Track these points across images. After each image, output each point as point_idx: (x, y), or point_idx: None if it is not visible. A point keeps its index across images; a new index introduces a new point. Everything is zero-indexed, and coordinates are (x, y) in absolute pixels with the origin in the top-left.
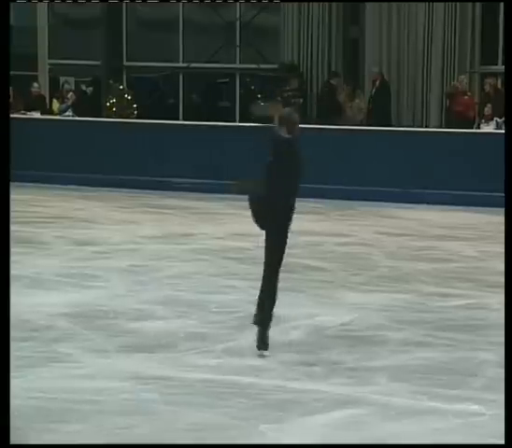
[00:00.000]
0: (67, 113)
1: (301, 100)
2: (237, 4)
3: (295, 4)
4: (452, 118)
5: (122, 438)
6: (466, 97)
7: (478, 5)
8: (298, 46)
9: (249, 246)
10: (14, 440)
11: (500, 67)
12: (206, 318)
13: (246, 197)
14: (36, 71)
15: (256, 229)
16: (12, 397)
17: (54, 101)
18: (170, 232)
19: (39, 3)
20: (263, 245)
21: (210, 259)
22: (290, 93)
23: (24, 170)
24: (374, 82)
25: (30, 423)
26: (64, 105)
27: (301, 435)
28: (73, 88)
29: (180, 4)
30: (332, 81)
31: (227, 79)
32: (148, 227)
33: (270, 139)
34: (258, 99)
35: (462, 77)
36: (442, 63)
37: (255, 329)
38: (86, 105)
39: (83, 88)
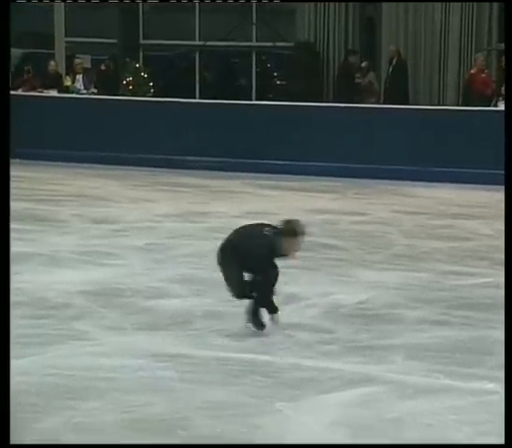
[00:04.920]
0: (82, 90)
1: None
2: None
3: None
4: (470, 95)
5: (139, 415)
6: (484, 75)
7: None
8: (315, 24)
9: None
10: (32, 416)
11: None
12: (223, 297)
13: (262, 175)
14: (53, 49)
15: (272, 206)
16: (30, 374)
17: (66, 78)
18: (186, 211)
19: None
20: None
21: None
22: None
23: (40, 148)
24: (390, 60)
25: (48, 400)
26: (75, 87)
27: (316, 413)
28: (89, 66)
29: None
30: (350, 58)
31: (235, 59)
32: (164, 205)
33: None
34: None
35: (479, 54)
36: (459, 40)
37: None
38: (103, 82)
39: (102, 67)
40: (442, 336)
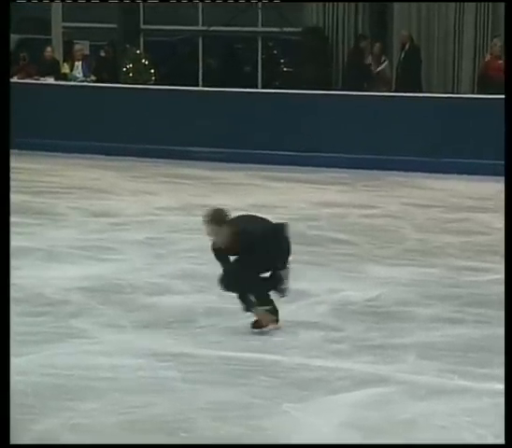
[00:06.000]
0: (80, 77)
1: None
2: None
3: None
4: (486, 83)
5: (139, 416)
6: (500, 61)
7: None
8: (323, 8)
9: (270, 218)
10: (29, 418)
11: None
12: (227, 293)
13: (267, 167)
14: (50, 35)
15: (277, 199)
16: (26, 373)
17: (64, 65)
18: (188, 203)
19: None
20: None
21: None
22: None
23: (38, 138)
24: (403, 46)
25: (45, 401)
26: (74, 75)
27: (325, 414)
28: (87, 52)
29: None
30: (361, 44)
31: (240, 45)
32: (165, 198)
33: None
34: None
35: (496, 39)
36: (474, 25)
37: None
38: (102, 69)
39: (101, 53)
40: (455, 334)
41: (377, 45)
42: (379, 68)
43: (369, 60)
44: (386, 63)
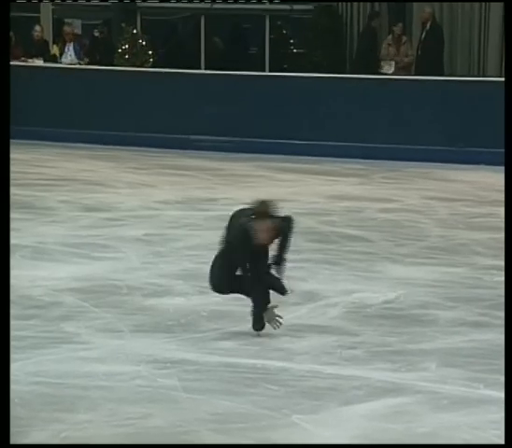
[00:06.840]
0: (74, 60)
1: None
2: None
3: None
4: None
5: (137, 429)
6: None
7: None
8: None
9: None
10: (16, 430)
11: None
12: (231, 295)
13: (276, 157)
14: (39, 12)
15: (288, 192)
16: (14, 382)
17: (54, 47)
18: (190, 197)
19: None
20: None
21: None
22: None
23: (25, 126)
24: (423, 24)
25: (34, 412)
26: (63, 59)
27: (338, 427)
28: (80, 32)
29: None
30: (372, 24)
31: (246, 25)
32: (165, 191)
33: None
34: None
35: None
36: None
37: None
38: (95, 51)
39: (95, 33)
40: (481, 340)
41: (400, 25)
42: (390, 71)
43: (389, 40)
44: (407, 43)
